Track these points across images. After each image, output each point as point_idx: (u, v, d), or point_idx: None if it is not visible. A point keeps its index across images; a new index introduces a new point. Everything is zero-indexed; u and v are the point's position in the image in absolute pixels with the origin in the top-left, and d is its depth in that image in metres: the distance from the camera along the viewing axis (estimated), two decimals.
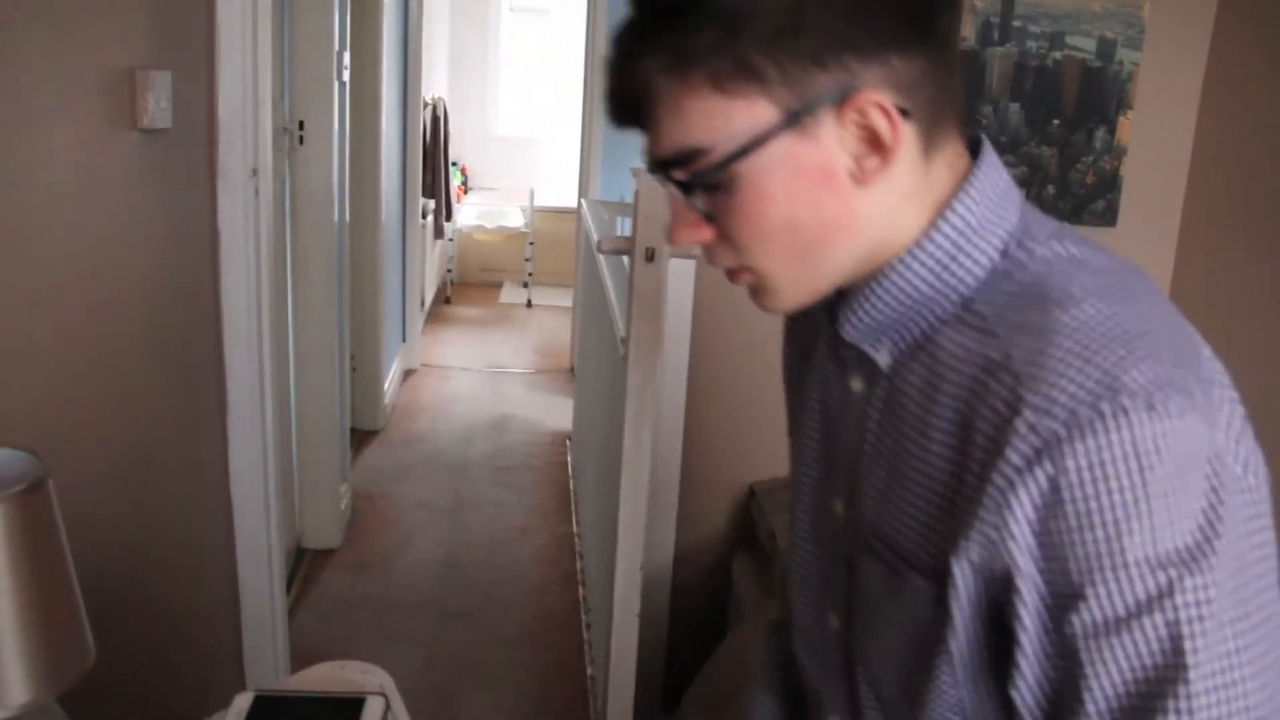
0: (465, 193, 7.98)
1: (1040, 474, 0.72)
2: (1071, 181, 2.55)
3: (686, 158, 0.81)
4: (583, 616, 3.43)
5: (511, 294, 7.84)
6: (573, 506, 4.23)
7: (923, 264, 0.83)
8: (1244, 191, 2.38)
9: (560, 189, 7.82)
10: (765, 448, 2.66)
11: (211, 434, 2.33)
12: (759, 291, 0.88)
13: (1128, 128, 2.52)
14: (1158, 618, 0.71)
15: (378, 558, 3.76)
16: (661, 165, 0.83)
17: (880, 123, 0.78)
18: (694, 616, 2.75)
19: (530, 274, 7.68)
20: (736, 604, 2.58)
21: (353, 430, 4.66)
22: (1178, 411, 0.71)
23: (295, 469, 3.61)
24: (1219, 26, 2.47)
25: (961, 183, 0.84)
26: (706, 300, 2.50)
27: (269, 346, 2.37)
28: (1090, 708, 0.73)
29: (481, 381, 5.86)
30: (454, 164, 7.50)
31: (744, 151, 0.78)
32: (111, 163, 1.79)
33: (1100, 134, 2.53)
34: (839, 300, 0.89)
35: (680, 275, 2.41)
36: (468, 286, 7.96)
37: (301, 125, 3.40)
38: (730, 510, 2.70)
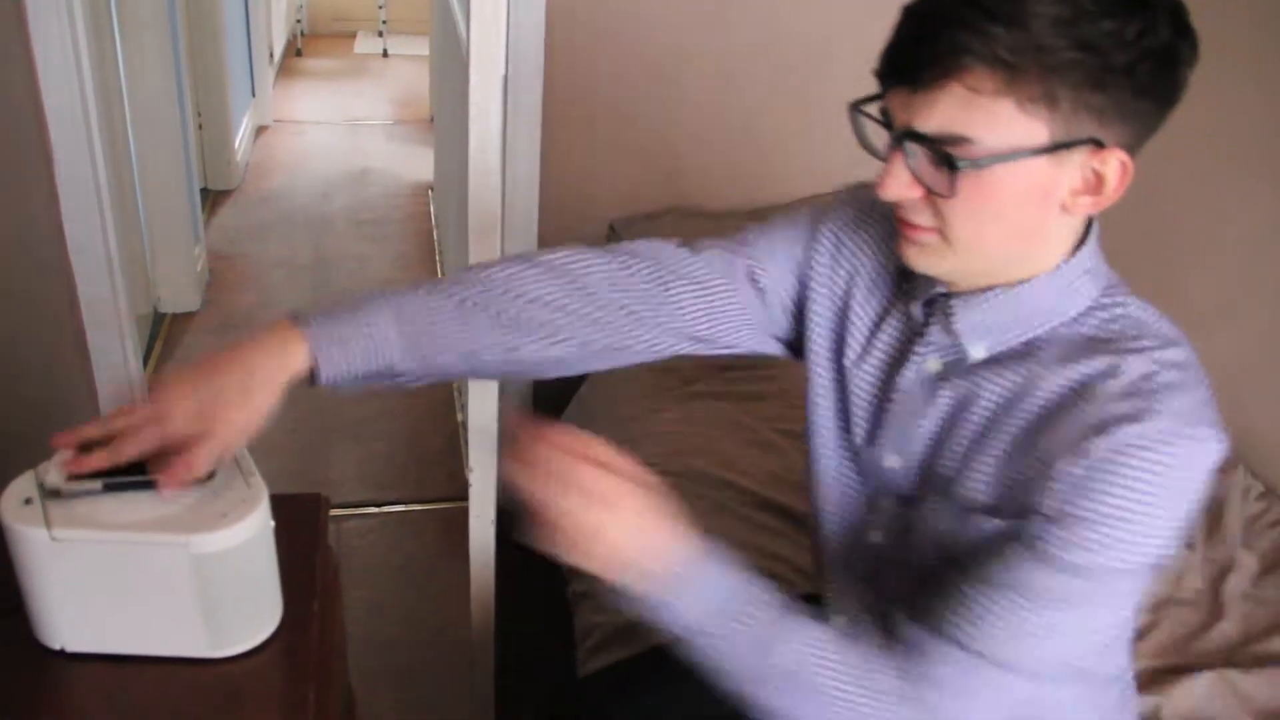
0: None
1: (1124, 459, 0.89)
2: None
3: (951, 140, 0.90)
4: None
5: (366, 44, 7.49)
6: (437, 256, 4.18)
7: (1051, 289, 0.99)
8: None
9: None
10: (624, 185, 2.63)
11: (38, 187, 2.20)
12: (927, 251, 0.99)
13: None
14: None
15: (240, 318, 3.69)
16: (916, 134, 0.91)
17: (1114, 175, 0.92)
18: None
19: (385, 22, 7.32)
20: None
21: (205, 190, 4.50)
22: (1218, 450, 0.91)
23: (144, 231, 3.47)
24: None
25: (1087, 231, 1.01)
26: (561, 27, 2.40)
27: (93, 92, 2.22)
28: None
29: (338, 135, 5.65)
30: None
31: (1007, 157, 0.89)
32: None
33: None
34: (948, 297, 1.03)
35: None
36: (319, 38, 7.56)
37: None
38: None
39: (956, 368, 1.05)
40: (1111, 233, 1.02)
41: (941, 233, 0.97)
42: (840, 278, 1.17)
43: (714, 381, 2.24)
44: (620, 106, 2.54)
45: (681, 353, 1.21)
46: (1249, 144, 1.99)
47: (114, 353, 2.50)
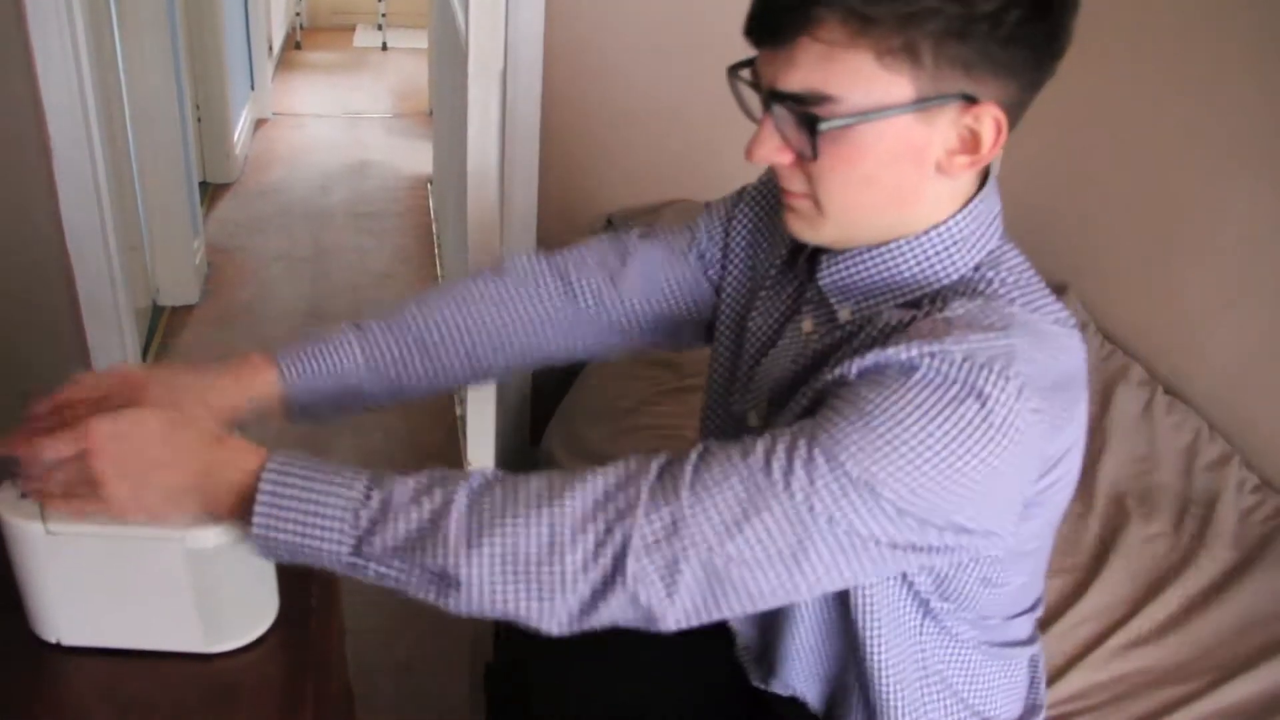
0: None
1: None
2: None
3: (813, 99, 0.87)
4: None
5: (366, 37, 7.49)
6: (436, 250, 4.17)
7: (916, 253, 0.95)
8: None
9: None
10: (621, 178, 2.63)
11: (36, 182, 2.20)
12: (804, 219, 0.97)
13: None
14: None
15: (239, 311, 3.68)
16: (780, 95, 0.89)
17: (989, 133, 0.88)
18: None
19: (384, 15, 7.32)
20: None
21: (204, 184, 4.49)
22: (1032, 418, 0.83)
23: (143, 224, 3.47)
24: None
25: (972, 197, 0.96)
26: (560, 21, 2.40)
27: (91, 86, 2.22)
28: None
29: (338, 128, 5.65)
30: None
31: (870, 115, 0.86)
32: None
33: None
34: (821, 254, 1.00)
35: None
36: (318, 31, 7.57)
37: None
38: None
39: (829, 330, 1.02)
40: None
41: (814, 199, 0.94)
42: (761, 249, 1.17)
43: None
44: (619, 99, 2.54)
45: (632, 343, 1.25)
46: (1248, 142, 1.99)
47: (113, 346, 2.50)
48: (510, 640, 1.42)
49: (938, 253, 0.95)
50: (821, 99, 0.87)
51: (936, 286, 0.95)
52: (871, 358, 0.86)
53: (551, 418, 2.37)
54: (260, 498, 0.90)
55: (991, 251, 0.96)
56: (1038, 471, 0.90)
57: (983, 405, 0.82)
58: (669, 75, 2.53)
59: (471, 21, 1.40)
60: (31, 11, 2.06)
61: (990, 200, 0.97)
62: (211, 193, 4.54)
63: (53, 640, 1.10)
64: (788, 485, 0.83)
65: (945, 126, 0.89)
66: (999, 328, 0.86)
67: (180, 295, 3.66)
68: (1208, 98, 2.08)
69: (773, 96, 0.90)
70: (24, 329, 2.36)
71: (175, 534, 1.03)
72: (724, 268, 1.20)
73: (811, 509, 0.83)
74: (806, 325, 1.04)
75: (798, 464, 0.83)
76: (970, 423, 0.82)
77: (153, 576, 1.06)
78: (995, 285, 0.93)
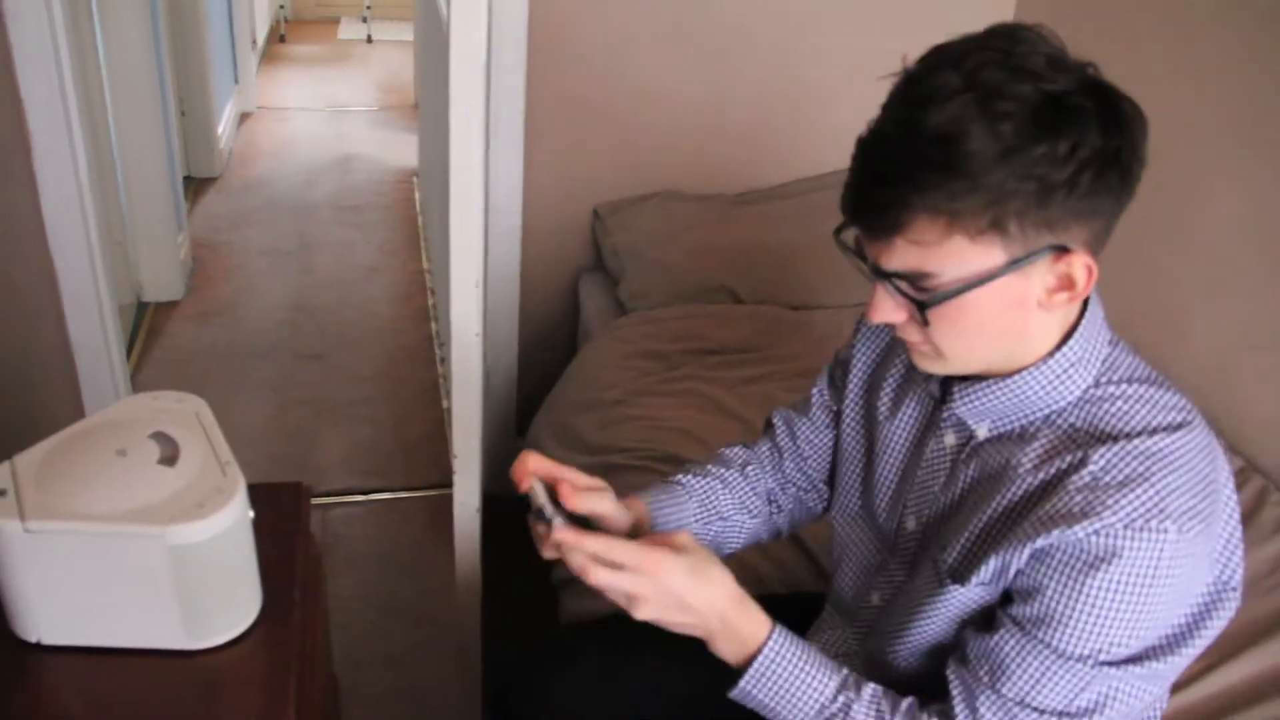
0: None
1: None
2: None
3: (916, 277, 0.96)
4: (436, 350, 3.43)
5: (350, 30, 7.45)
6: (422, 242, 4.16)
7: (1039, 381, 1.02)
8: None
9: None
10: (607, 170, 2.62)
11: (16, 177, 2.18)
12: (925, 359, 1.06)
13: None
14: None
15: (224, 306, 3.67)
16: (886, 273, 0.97)
17: (1081, 276, 0.95)
18: (543, 342, 2.75)
19: (369, 7, 7.29)
20: (584, 325, 2.59)
21: (187, 178, 4.47)
22: (1193, 536, 0.93)
23: (126, 220, 3.45)
24: None
25: (1079, 319, 1.03)
26: (544, 12, 2.38)
27: (71, 80, 2.20)
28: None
29: (322, 122, 5.62)
30: None
31: (969, 287, 0.94)
32: None
33: None
34: (955, 381, 1.09)
35: None
36: (303, 24, 7.53)
37: None
38: (575, 233, 2.67)
39: (969, 442, 1.10)
40: None
41: (933, 345, 1.02)
42: (872, 352, 1.28)
43: (699, 366, 2.23)
44: (604, 91, 2.53)
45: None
46: (1231, 131, 1.99)
47: (96, 342, 2.48)
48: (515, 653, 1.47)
49: (1058, 376, 1.02)
50: (923, 276, 0.95)
51: (1063, 403, 1.03)
52: (1040, 541, 0.96)
53: (538, 409, 2.36)
54: (757, 661, 1.05)
55: (1105, 359, 1.04)
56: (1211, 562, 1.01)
57: (1156, 558, 0.92)
58: (653, 67, 2.52)
59: (454, 12, 1.38)
60: (9, 3, 2.04)
61: (1094, 314, 1.04)
62: (195, 187, 4.52)
63: (33, 640, 1.09)
64: None
65: (1041, 274, 0.96)
66: (1143, 476, 0.94)
67: (164, 291, 3.65)
68: (1190, 88, 2.07)
69: (878, 272, 0.99)
70: (4, 323, 2.34)
71: (155, 530, 1.02)
72: (842, 396, 1.30)
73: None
74: (950, 440, 1.12)
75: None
76: (1148, 575, 0.93)
77: (134, 573, 1.05)
78: (1120, 404, 1.01)
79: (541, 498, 1.10)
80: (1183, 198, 2.08)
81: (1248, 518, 1.81)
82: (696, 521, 1.30)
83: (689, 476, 1.33)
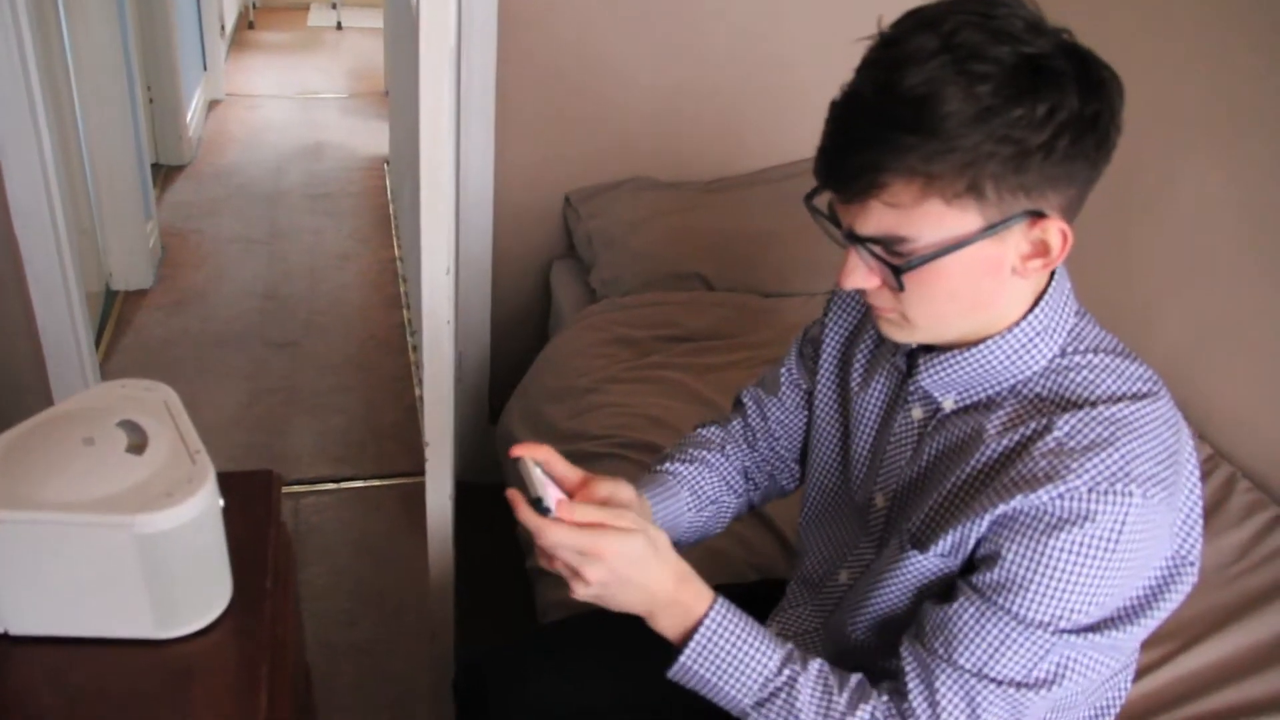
0: None
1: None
2: None
3: (890, 241, 0.95)
4: (408, 338, 3.42)
5: (320, 16, 7.40)
6: (393, 230, 4.14)
7: (1005, 349, 1.02)
8: None
9: None
10: (578, 156, 2.61)
11: None
12: (895, 327, 1.05)
13: None
14: None
15: (194, 295, 3.64)
16: (858, 237, 0.97)
17: (1056, 240, 0.95)
18: (515, 329, 2.75)
19: None
20: (556, 312, 2.59)
21: (156, 166, 4.43)
22: (1156, 503, 0.93)
23: (94, 207, 3.42)
24: None
25: (1046, 287, 1.03)
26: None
27: (35, 67, 2.18)
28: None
29: (292, 109, 5.59)
30: None
31: (943, 251, 0.94)
32: None
33: None
34: (920, 353, 1.08)
35: None
36: (272, 10, 7.47)
37: None
38: (547, 219, 2.66)
39: (934, 415, 1.10)
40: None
41: (903, 313, 1.02)
42: (844, 327, 1.27)
43: (671, 353, 2.23)
44: (576, 76, 2.52)
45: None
46: (1196, 121, 2.00)
47: (64, 330, 2.46)
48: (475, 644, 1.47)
49: (1024, 345, 1.02)
50: (898, 240, 0.94)
51: (1029, 373, 1.03)
52: (1002, 507, 0.96)
53: (510, 397, 2.36)
54: (698, 634, 1.03)
55: (1071, 330, 1.04)
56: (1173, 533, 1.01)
57: (1121, 521, 0.92)
58: (624, 53, 2.52)
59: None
60: None
61: (1061, 284, 1.04)
62: (165, 175, 4.48)
63: (0, 630, 1.08)
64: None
65: (1016, 239, 0.95)
66: (1108, 441, 0.94)
67: (134, 279, 3.62)
68: (1159, 80, 2.09)
69: (851, 237, 0.98)
70: None
71: (123, 519, 1.02)
72: (814, 375, 1.30)
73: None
74: (916, 413, 1.12)
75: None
76: (1111, 539, 0.93)
77: (102, 563, 1.05)
78: (1085, 373, 1.01)
79: (534, 473, 1.09)
80: (1150, 188, 2.09)
81: (1215, 505, 1.83)
82: (690, 510, 1.30)
83: (676, 464, 1.33)
